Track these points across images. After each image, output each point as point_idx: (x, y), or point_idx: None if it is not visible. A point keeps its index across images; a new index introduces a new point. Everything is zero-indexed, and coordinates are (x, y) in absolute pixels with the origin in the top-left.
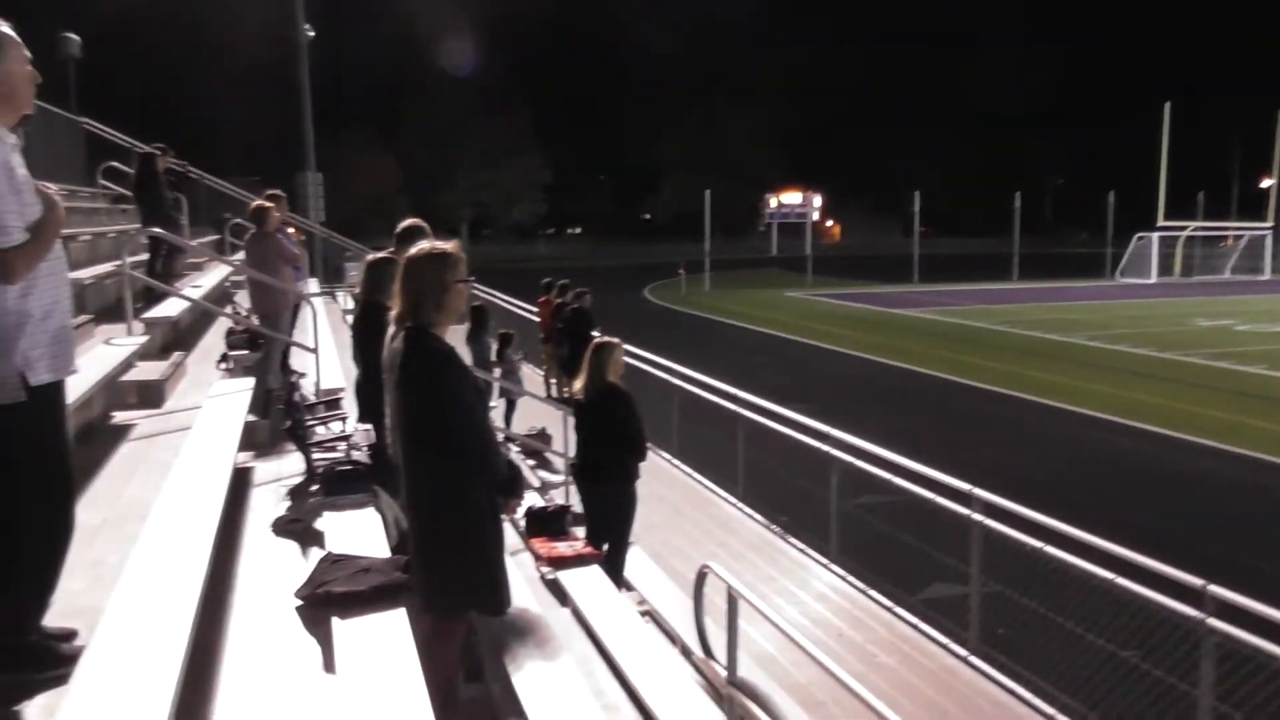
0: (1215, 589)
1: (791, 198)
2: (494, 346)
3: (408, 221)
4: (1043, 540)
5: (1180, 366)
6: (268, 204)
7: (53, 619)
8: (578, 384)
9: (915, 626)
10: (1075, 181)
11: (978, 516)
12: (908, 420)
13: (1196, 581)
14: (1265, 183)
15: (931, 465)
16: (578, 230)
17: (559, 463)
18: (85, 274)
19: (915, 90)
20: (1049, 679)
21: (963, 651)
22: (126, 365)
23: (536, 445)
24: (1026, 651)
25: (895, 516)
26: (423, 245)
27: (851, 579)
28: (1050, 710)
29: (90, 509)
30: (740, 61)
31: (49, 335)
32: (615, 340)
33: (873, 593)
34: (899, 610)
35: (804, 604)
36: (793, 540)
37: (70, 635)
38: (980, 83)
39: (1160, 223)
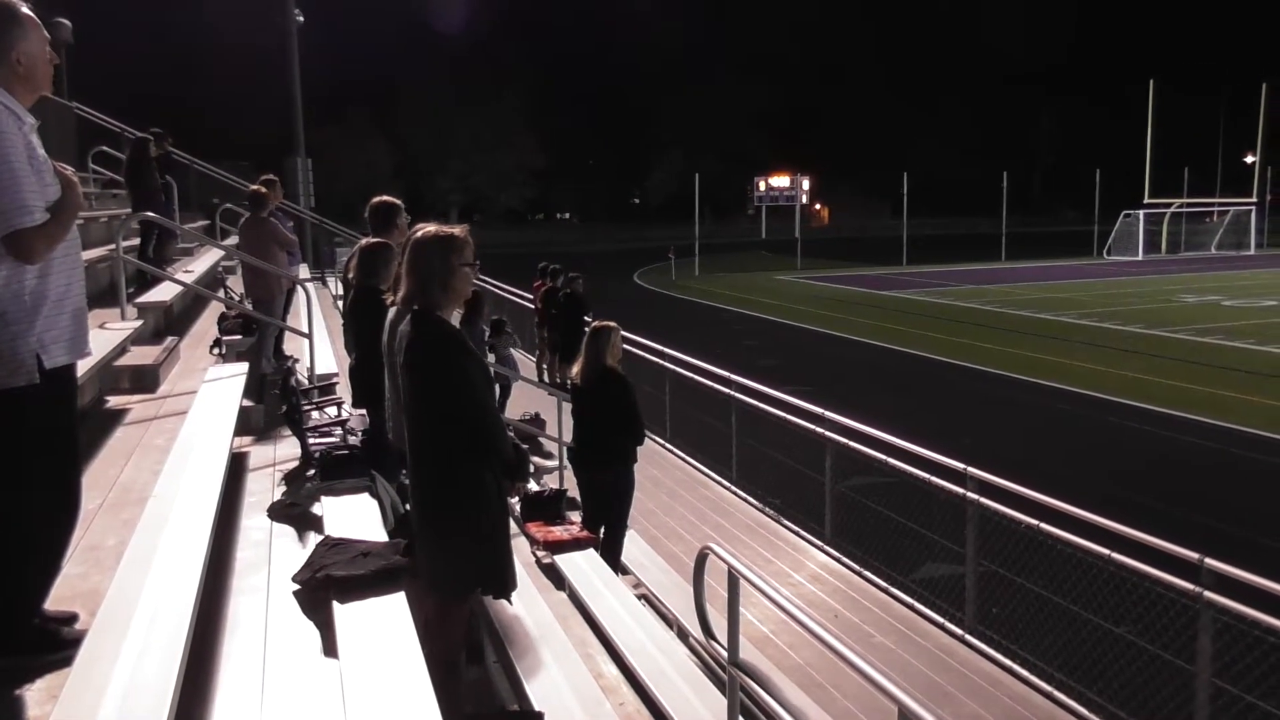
0: (1212, 562)
1: (780, 180)
2: (486, 333)
3: (379, 199)
4: (1037, 518)
5: (1168, 343)
6: (263, 188)
7: (53, 603)
8: (575, 368)
9: (911, 607)
10: (1064, 159)
11: (972, 495)
12: (900, 401)
13: (1193, 555)
14: (1249, 159)
15: (925, 446)
16: (567, 215)
17: (553, 447)
18: None
19: (903, 71)
20: (1045, 657)
21: (959, 631)
22: (121, 350)
23: (531, 430)
24: (1022, 630)
25: (889, 497)
26: (430, 228)
27: (846, 560)
28: (1047, 687)
29: (86, 493)
30: (727, 42)
31: (64, 317)
32: (613, 324)
33: (868, 574)
34: (894, 591)
35: (799, 586)
36: (787, 523)
37: (71, 619)
38: (970, 60)
39: (1146, 200)
